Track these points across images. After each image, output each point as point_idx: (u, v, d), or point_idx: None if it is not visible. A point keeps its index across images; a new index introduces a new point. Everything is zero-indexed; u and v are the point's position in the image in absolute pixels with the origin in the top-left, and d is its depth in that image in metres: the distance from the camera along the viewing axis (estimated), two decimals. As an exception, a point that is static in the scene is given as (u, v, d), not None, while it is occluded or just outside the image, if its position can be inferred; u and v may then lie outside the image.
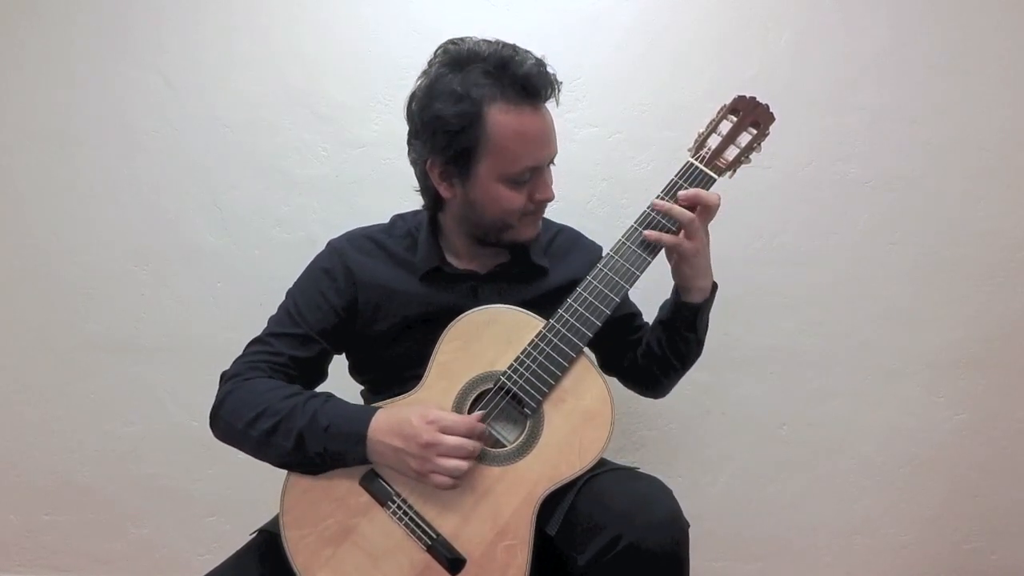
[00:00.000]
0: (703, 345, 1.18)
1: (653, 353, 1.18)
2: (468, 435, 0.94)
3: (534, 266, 1.17)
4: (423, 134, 1.04)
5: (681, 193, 1.04)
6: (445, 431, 0.93)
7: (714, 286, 1.12)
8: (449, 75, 1.01)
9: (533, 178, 1.05)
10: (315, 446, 0.97)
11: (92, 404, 1.68)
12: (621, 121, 1.64)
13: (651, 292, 1.21)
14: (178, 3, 1.64)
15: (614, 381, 1.21)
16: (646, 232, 1.03)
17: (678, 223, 1.03)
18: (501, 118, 0.99)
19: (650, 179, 1.55)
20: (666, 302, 1.17)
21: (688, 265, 1.06)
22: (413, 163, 1.11)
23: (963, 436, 1.66)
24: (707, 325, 1.16)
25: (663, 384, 1.24)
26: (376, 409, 0.99)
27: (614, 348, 1.25)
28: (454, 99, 0.99)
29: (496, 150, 1.00)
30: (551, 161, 1.08)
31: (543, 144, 1.04)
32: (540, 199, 1.07)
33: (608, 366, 1.28)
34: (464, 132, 0.99)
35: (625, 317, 1.26)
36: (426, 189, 1.13)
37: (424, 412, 0.94)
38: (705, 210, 1.04)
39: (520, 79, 0.99)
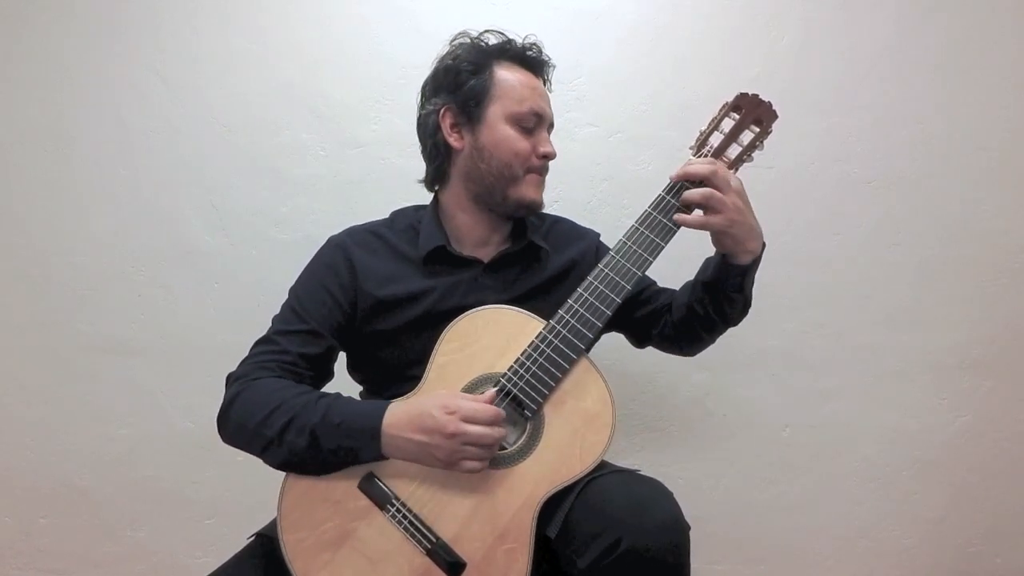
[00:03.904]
0: (750, 305, 1.15)
1: (696, 314, 1.14)
2: (491, 423, 0.93)
3: (534, 247, 1.18)
4: (437, 81, 1.16)
5: (690, 169, 1.02)
6: (468, 420, 0.92)
7: (762, 245, 1.08)
8: (463, 43, 1.17)
9: (536, 131, 1.13)
10: (329, 443, 0.96)
11: (88, 406, 1.66)
12: (622, 121, 1.63)
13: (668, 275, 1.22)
14: (176, 2, 1.63)
15: (619, 382, 1.20)
16: (677, 216, 1.01)
17: (695, 204, 1.01)
18: (506, 72, 1.13)
19: (651, 179, 1.53)
20: (709, 260, 1.12)
21: (727, 236, 1.02)
22: (425, 121, 1.17)
23: (966, 438, 1.65)
24: (753, 283, 1.12)
25: (706, 341, 1.22)
26: (388, 403, 0.98)
27: (638, 326, 1.26)
28: (467, 50, 1.15)
29: (504, 93, 1.12)
30: (549, 128, 1.17)
31: (543, 98, 1.16)
32: (543, 151, 1.13)
33: (640, 340, 1.30)
34: (476, 75, 1.12)
35: (637, 294, 1.24)
36: (435, 149, 1.17)
37: (445, 403, 0.94)
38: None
39: (520, 51, 1.16)
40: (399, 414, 0.96)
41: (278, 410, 0.98)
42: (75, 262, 1.65)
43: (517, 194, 1.12)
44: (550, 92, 1.20)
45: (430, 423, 0.93)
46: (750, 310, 1.16)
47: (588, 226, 1.32)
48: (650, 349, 1.30)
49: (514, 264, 1.17)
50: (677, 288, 1.23)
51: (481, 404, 0.94)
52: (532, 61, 1.17)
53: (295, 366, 1.07)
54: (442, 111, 1.14)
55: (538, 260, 1.18)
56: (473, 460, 0.93)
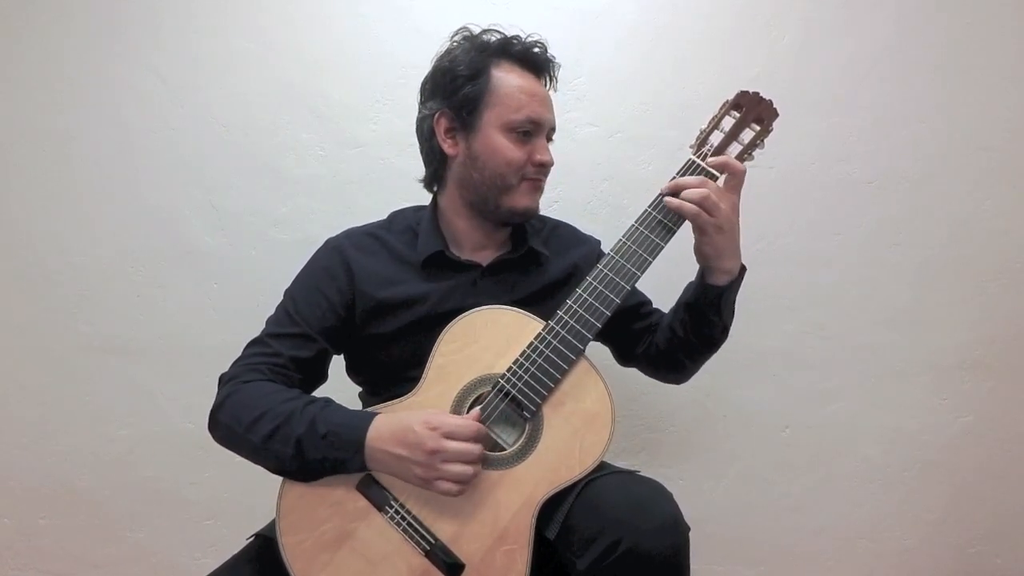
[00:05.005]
0: (728, 331, 1.14)
1: (677, 336, 1.14)
2: (473, 440, 0.92)
3: (534, 253, 1.16)
4: (434, 84, 1.13)
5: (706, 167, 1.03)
6: (449, 436, 0.91)
7: (742, 269, 1.08)
8: (463, 42, 1.14)
9: (533, 139, 1.10)
10: (314, 453, 0.95)
11: (87, 406, 1.66)
12: (622, 120, 1.63)
13: (661, 286, 1.21)
14: (176, 2, 1.63)
15: (619, 383, 1.20)
16: (667, 199, 1.00)
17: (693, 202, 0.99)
18: (505, 75, 1.09)
19: (652, 179, 1.53)
20: (691, 283, 1.13)
21: (709, 243, 1.01)
22: (421, 124, 1.15)
23: (967, 439, 1.65)
24: (733, 311, 1.12)
25: (688, 368, 1.20)
26: (373, 416, 0.97)
27: (626, 339, 1.25)
28: (465, 51, 1.11)
29: (500, 99, 1.08)
30: (550, 133, 1.14)
31: (543, 104, 1.11)
32: (539, 160, 1.10)
33: (625, 357, 1.28)
34: (472, 80, 1.08)
35: (633, 307, 1.25)
36: (431, 153, 1.16)
37: (427, 418, 0.93)
38: (729, 179, 1.02)
39: (523, 51, 1.11)
40: (383, 428, 0.95)
41: (264, 417, 0.97)
42: (75, 262, 1.65)
43: (510, 203, 1.11)
44: (553, 93, 1.16)
45: (411, 438, 0.92)
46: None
47: (588, 226, 1.32)
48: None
49: (513, 269, 1.16)
50: (667, 309, 1.23)
51: (465, 420, 0.94)
52: (535, 61, 1.12)
53: (286, 369, 1.07)
54: (437, 116, 1.12)
55: (538, 265, 1.17)
56: (450, 482, 0.91)
